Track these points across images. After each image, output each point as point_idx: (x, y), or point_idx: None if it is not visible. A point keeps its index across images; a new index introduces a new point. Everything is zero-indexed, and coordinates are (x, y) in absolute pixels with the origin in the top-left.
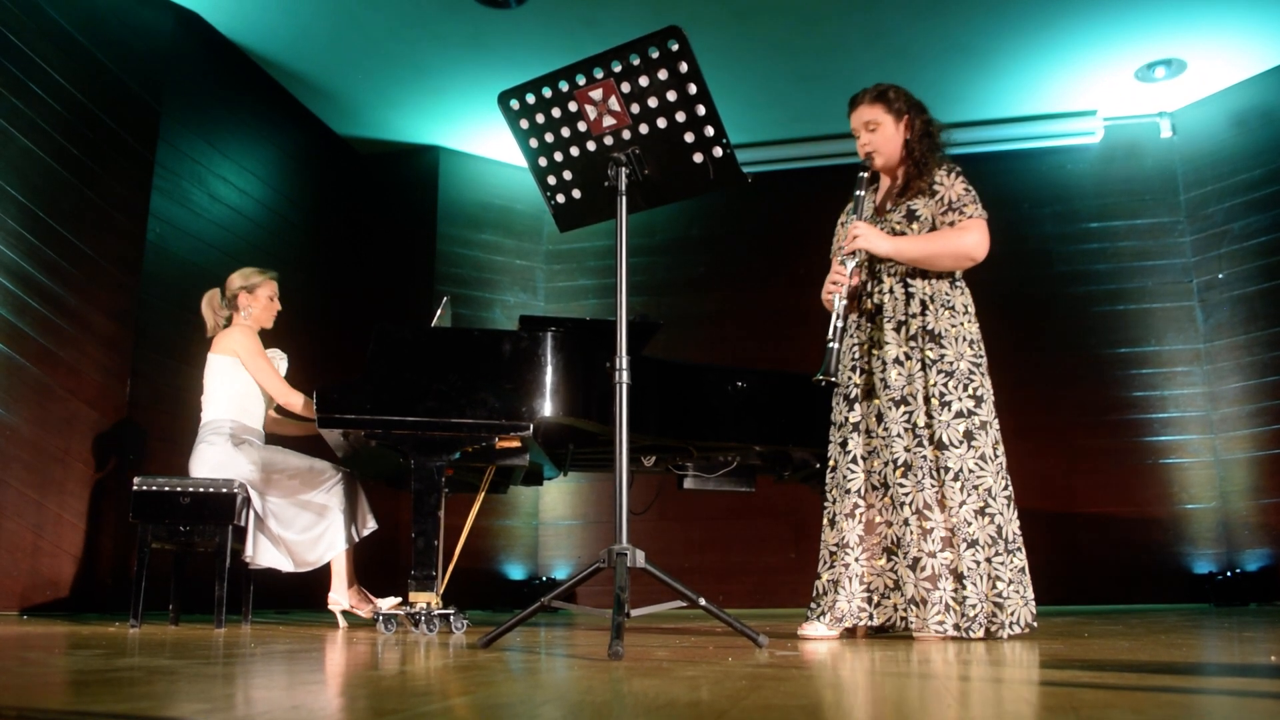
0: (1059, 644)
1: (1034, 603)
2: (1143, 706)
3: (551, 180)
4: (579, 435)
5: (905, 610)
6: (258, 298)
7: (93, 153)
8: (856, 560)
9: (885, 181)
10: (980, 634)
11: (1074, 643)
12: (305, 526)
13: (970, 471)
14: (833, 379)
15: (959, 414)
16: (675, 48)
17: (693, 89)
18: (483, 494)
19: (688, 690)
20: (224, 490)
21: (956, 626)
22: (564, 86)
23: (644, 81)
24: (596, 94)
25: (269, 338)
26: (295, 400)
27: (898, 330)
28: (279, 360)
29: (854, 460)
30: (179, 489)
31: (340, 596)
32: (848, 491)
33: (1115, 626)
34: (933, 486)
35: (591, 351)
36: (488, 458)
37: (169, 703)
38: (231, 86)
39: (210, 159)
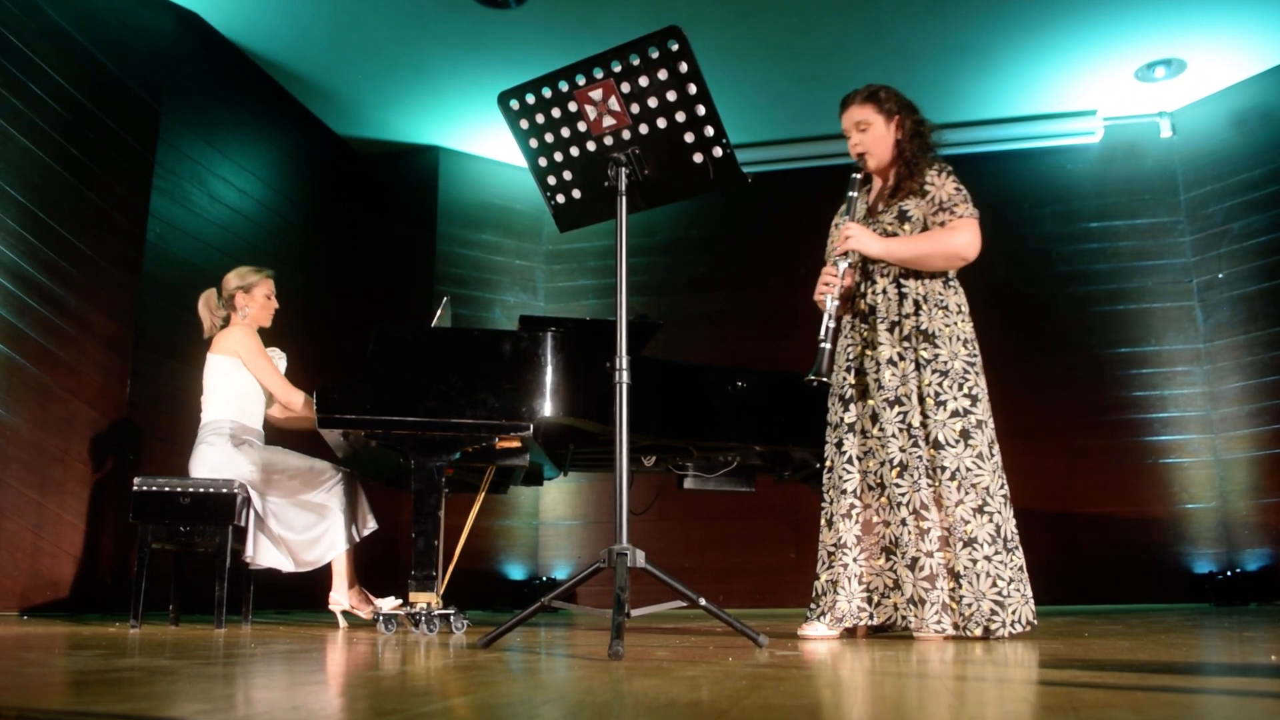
0: (1059, 644)
1: (1033, 601)
2: (1143, 706)
3: (551, 180)
4: (579, 435)
5: (905, 610)
6: (254, 297)
7: (93, 153)
8: (855, 560)
9: (877, 182)
10: (978, 633)
11: (1074, 643)
12: (305, 526)
13: (967, 470)
14: (825, 379)
15: (955, 413)
16: (675, 48)
17: (693, 89)
18: (483, 494)
19: (688, 690)
20: (224, 490)
21: (955, 626)
22: (564, 86)
23: (644, 81)
24: (596, 94)
25: (268, 337)
26: (296, 399)
27: (891, 331)
28: (278, 359)
29: (850, 461)
30: (179, 489)
31: (341, 596)
32: (844, 492)
33: (1115, 626)
34: (929, 486)
35: (591, 351)
36: (488, 458)
37: (169, 703)
38: (231, 87)
39: (210, 159)
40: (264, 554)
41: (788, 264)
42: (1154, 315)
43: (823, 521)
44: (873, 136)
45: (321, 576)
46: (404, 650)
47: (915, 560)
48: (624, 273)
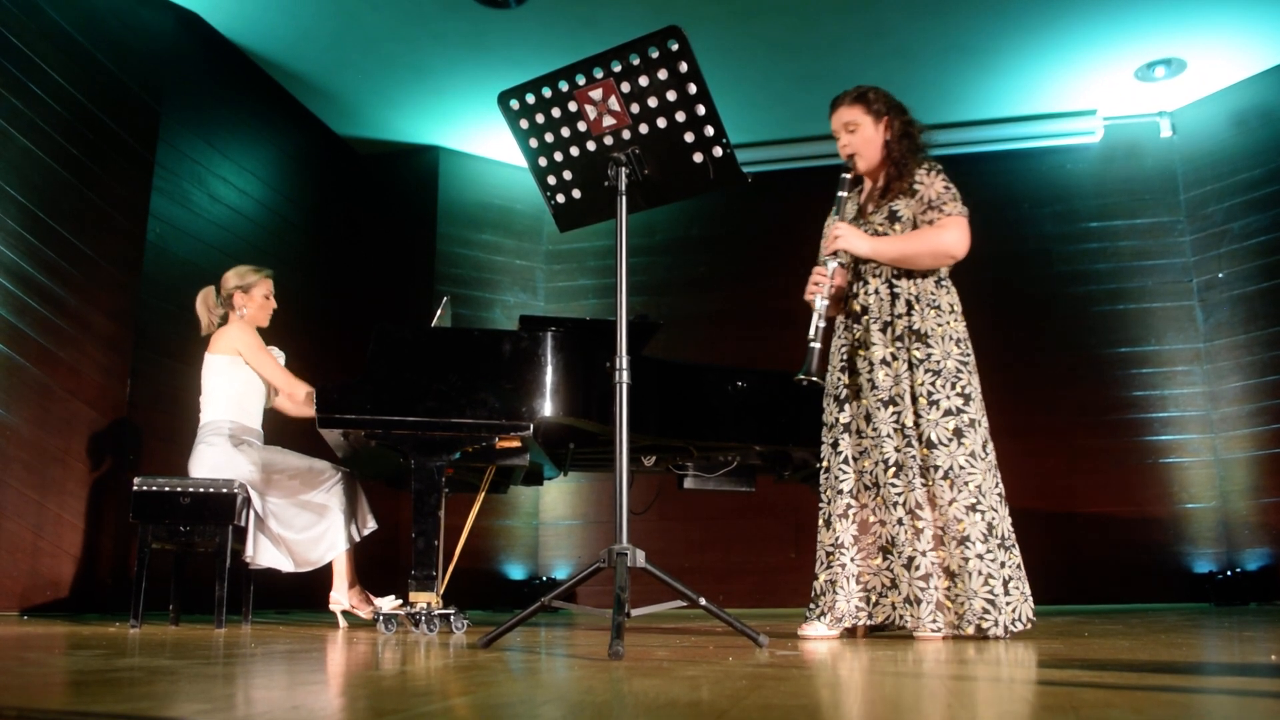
0: (1059, 643)
1: (1032, 599)
2: (1143, 706)
3: (551, 180)
4: (579, 435)
5: (902, 609)
6: (253, 297)
7: (93, 153)
8: (852, 560)
9: (868, 184)
10: (971, 631)
11: (1074, 642)
12: (305, 526)
13: (960, 469)
14: (814, 378)
15: (947, 412)
16: (675, 47)
17: (692, 89)
18: (483, 494)
19: (688, 690)
20: (224, 490)
21: (951, 624)
22: (564, 86)
23: (644, 81)
24: (596, 94)
25: (266, 337)
26: (300, 390)
27: (884, 331)
28: (277, 356)
29: (845, 461)
30: (179, 489)
31: (341, 596)
32: (840, 492)
33: (1115, 626)
34: (923, 486)
35: (591, 351)
36: (488, 458)
37: (169, 703)
38: (231, 87)
39: (210, 159)
40: (264, 554)
41: (788, 264)
42: (1154, 315)
43: (820, 522)
44: (861, 138)
45: (321, 576)
46: (404, 650)
47: (911, 560)
48: (624, 273)
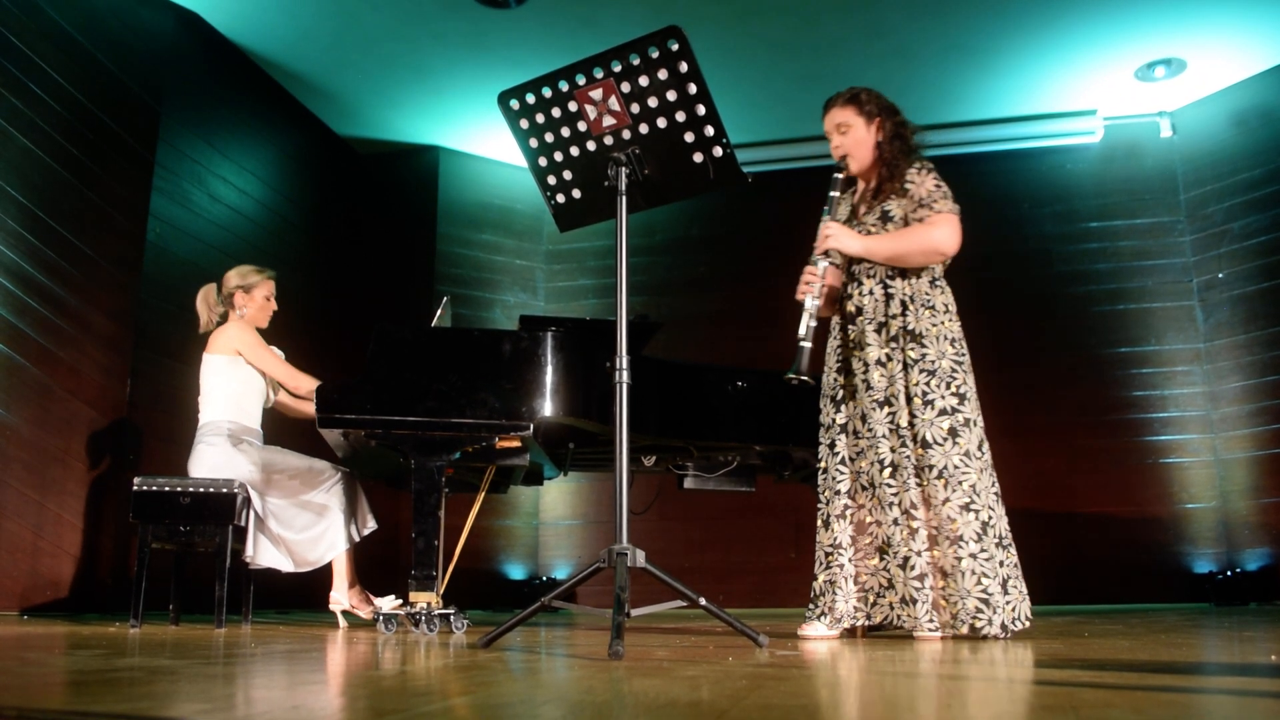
0: (1059, 643)
1: (1029, 598)
2: (1143, 706)
3: (551, 180)
4: (579, 435)
5: (899, 609)
6: (254, 297)
7: (93, 153)
8: (850, 560)
9: (861, 184)
10: (965, 630)
11: (1074, 642)
12: (305, 526)
13: (955, 468)
14: (805, 377)
15: (942, 412)
16: (675, 47)
17: (693, 89)
18: (483, 494)
19: (688, 690)
20: (224, 490)
21: (946, 625)
22: (564, 86)
23: (644, 81)
24: (596, 94)
25: (266, 338)
26: (304, 383)
27: (879, 331)
28: (277, 355)
29: (842, 461)
30: (179, 489)
31: (341, 596)
32: (838, 493)
33: (1115, 626)
34: (918, 486)
35: (591, 351)
36: (488, 458)
37: (169, 703)
38: (231, 87)
39: (210, 159)
40: (264, 554)
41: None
42: (1154, 315)
43: (819, 522)
44: (853, 139)
45: (321, 576)
46: (404, 650)
47: (906, 560)
48: (624, 273)
